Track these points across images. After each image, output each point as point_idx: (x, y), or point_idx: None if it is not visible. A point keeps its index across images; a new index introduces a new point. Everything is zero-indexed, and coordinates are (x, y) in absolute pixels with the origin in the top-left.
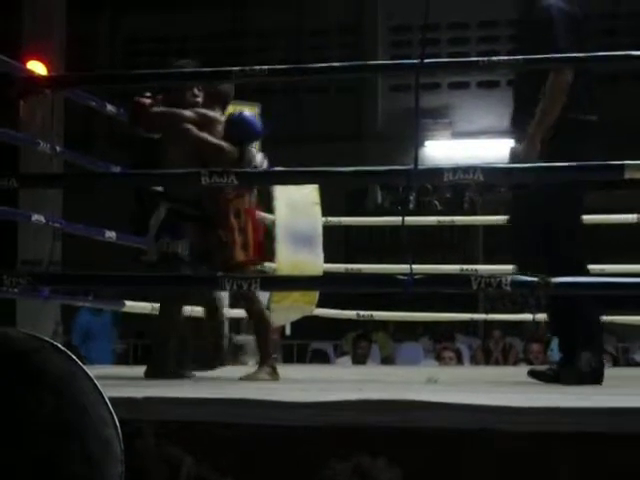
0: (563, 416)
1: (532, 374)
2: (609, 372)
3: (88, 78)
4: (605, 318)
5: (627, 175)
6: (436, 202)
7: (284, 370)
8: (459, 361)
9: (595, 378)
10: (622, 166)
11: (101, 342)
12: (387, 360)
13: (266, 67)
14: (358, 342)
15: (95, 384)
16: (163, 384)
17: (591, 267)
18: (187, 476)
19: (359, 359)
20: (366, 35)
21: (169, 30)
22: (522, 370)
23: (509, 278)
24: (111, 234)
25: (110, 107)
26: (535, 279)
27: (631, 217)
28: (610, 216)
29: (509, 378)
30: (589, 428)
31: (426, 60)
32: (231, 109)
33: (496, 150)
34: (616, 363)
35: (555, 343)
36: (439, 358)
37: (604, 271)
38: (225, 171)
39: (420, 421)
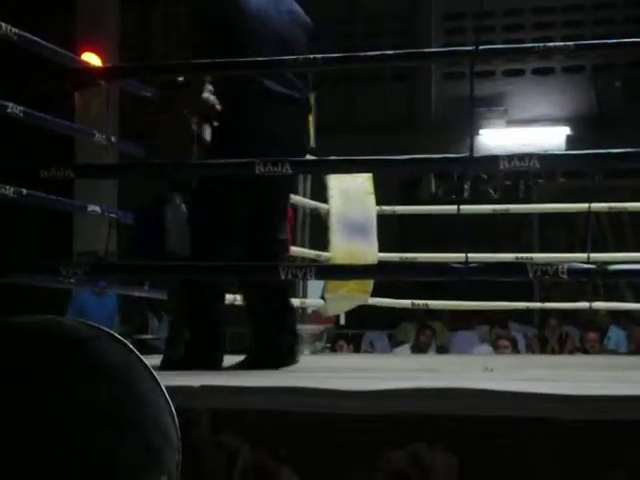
0: (619, 404)
1: None
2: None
3: (142, 68)
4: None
5: None
6: (491, 190)
7: (342, 359)
8: (515, 350)
9: None
10: None
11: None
12: (442, 349)
13: (320, 56)
14: (422, 331)
15: (152, 373)
16: (217, 373)
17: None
18: (244, 464)
19: (421, 348)
20: (419, 22)
21: None
22: (578, 359)
23: (566, 266)
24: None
25: None
26: (592, 266)
27: None
28: None
29: (566, 367)
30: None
31: (481, 47)
32: None
33: (551, 138)
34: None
35: (612, 331)
36: (495, 347)
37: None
38: (280, 160)
39: (476, 409)
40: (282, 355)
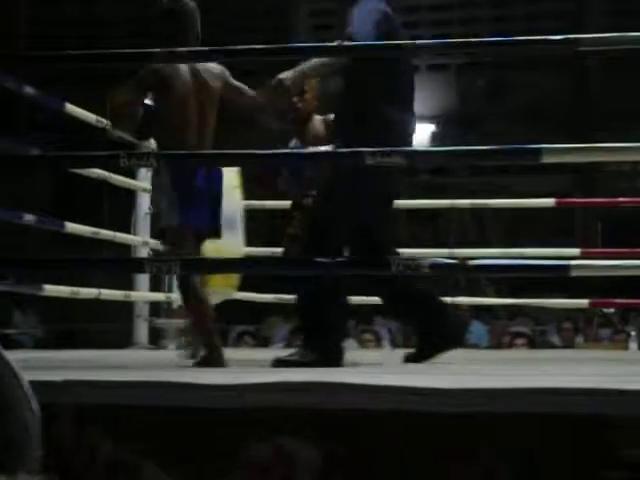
0: (479, 397)
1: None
2: (527, 354)
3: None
4: (521, 301)
5: (545, 159)
6: None
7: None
8: (378, 344)
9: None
10: (539, 150)
11: None
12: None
13: (186, 49)
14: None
15: (13, 368)
16: (84, 368)
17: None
18: (107, 459)
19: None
20: (290, 18)
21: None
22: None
23: (428, 261)
24: (29, 217)
25: (29, 89)
26: (454, 261)
27: (549, 201)
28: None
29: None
30: (504, 409)
31: (346, 43)
32: None
33: (417, 134)
34: (533, 345)
35: (474, 326)
36: (360, 341)
37: (523, 254)
38: (147, 153)
39: (340, 403)
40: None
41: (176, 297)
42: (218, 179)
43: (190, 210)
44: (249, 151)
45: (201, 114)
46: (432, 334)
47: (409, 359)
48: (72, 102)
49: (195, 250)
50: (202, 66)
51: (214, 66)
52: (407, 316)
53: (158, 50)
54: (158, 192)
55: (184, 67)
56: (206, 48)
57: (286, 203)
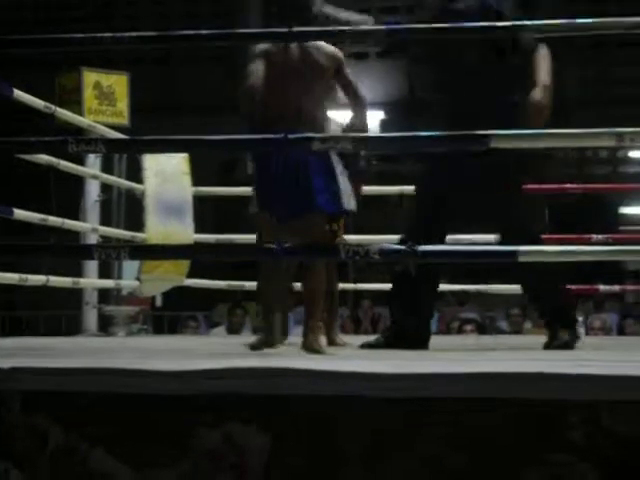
0: (427, 382)
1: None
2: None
3: None
4: (470, 287)
5: (493, 144)
6: None
7: (160, 340)
8: None
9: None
10: (488, 136)
11: None
12: (258, 330)
13: (135, 34)
14: (233, 311)
15: None
16: (31, 355)
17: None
18: (56, 446)
19: (234, 328)
20: (237, 4)
21: None
22: None
23: (377, 247)
24: None
25: None
26: (403, 247)
27: None
28: None
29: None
30: (452, 394)
31: (295, 29)
32: (99, 77)
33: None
34: (482, 331)
35: None
36: None
37: (472, 241)
38: (96, 139)
39: (290, 388)
40: None
41: (125, 284)
42: (295, 163)
43: (268, 196)
44: (200, 137)
45: (308, 95)
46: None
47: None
48: (17, 87)
49: (275, 235)
50: (315, 47)
51: (329, 49)
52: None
53: (108, 35)
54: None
55: (294, 49)
56: (153, 33)
57: (236, 190)
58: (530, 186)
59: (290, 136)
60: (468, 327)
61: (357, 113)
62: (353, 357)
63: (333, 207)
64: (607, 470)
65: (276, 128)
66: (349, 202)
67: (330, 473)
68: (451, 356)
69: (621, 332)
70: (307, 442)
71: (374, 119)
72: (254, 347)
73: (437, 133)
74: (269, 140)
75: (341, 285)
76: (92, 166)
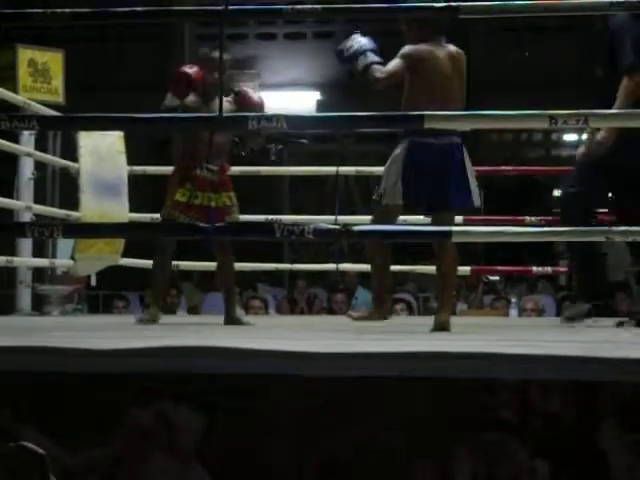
0: (355, 361)
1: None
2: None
3: None
4: (404, 267)
5: (426, 125)
6: (243, 153)
7: (95, 319)
8: (266, 311)
9: None
10: (422, 116)
11: None
12: (193, 310)
13: (68, 10)
14: (167, 291)
15: None
16: None
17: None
18: None
19: (169, 308)
20: None
21: None
22: (325, 319)
23: (312, 226)
24: None
25: None
26: (337, 227)
27: None
28: None
29: (314, 327)
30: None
31: (230, 7)
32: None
33: (302, 102)
34: (412, 311)
35: (359, 292)
36: (246, 308)
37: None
38: (30, 116)
39: (222, 367)
40: None
41: (60, 263)
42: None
43: (416, 186)
44: (135, 115)
45: (450, 96)
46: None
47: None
48: None
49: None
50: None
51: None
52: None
53: (40, 11)
54: (389, 171)
55: (442, 52)
56: (87, 10)
57: (168, 169)
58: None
59: (225, 114)
60: (399, 306)
61: None
62: (284, 337)
63: (467, 204)
64: (537, 447)
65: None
66: (477, 199)
67: (262, 451)
68: (385, 336)
69: (558, 314)
70: (241, 422)
71: (311, 100)
72: (141, 322)
73: (374, 113)
74: (205, 118)
75: (277, 265)
76: (26, 144)
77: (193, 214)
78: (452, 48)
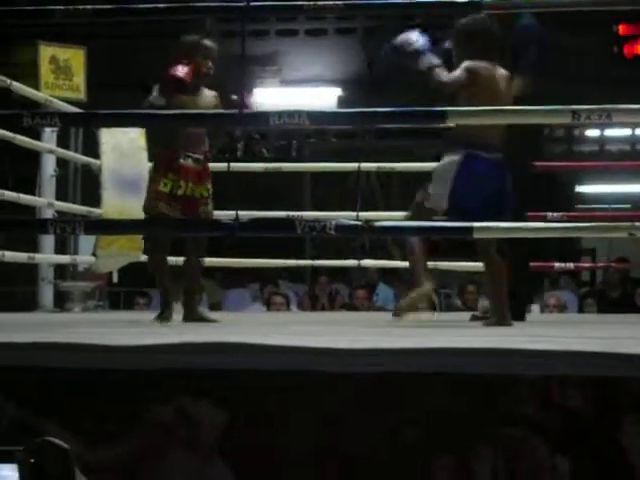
0: (380, 358)
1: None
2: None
3: None
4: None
5: (450, 122)
6: (264, 150)
7: (117, 315)
8: (287, 307)
9: None
10: (444, 113)
11: None
12: (214, 307)
13: (90, 7)
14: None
15: None
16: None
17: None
18: (10, 422)
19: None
20: None
21: None
22: (347, 315)
23: (333, 222)
24: None
25: None
26: (359, 223)
27: None
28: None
29: (335, 323)
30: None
31: (252, 3)
32: (55, 52)
33: (323, 98)
34: (433, 308)
35: (381, 289)
36: (268, 304)
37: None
38: (51, 113)
39: (244, 363)
40: None
41: (82, 260)
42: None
43: (471, 197)
44: (157, 112)
45: None
46: None
47: None
48: None
49: None
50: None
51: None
52: None
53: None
54: (439, 179)
55: (498, 72)
56: (109, 7)
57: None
58: None
59: (245, 111)
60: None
61: None
62: (307, 333)
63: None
64: (558, 444)
65: None
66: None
67: (283, 447)
68: (406, 332)
69: (581, 310)
70: (263, 418)
71: (332, 96)
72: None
73: (396, 109)
74: (222, 115)
75: (298, 261)
76: (48, 141)
77: (176, 205)
78: (504, 70)
